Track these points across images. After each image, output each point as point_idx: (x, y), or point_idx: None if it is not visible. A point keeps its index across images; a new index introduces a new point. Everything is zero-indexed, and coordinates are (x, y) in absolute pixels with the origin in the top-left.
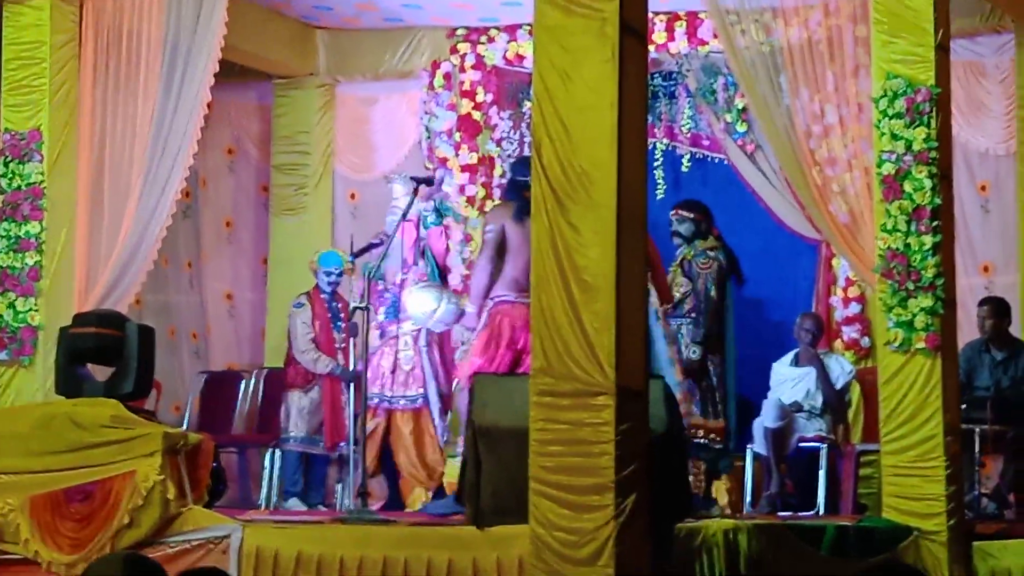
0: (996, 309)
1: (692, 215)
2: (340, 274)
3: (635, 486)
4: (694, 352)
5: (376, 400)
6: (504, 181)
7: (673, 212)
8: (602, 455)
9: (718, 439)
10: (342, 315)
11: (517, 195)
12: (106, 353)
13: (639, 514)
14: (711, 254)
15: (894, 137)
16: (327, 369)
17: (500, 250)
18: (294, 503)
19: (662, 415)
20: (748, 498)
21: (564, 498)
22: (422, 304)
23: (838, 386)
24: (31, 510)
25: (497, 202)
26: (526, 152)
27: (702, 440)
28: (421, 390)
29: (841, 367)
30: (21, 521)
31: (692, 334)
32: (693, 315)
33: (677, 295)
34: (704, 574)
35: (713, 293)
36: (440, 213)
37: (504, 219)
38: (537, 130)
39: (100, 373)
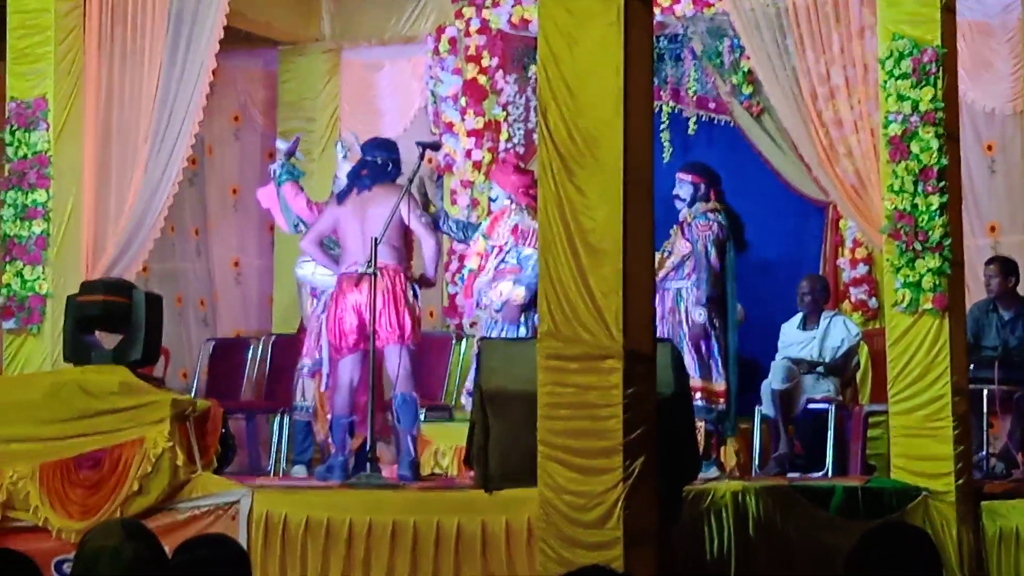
0: (1003, 268)
1: (691, 178)
2: None
3: (643, 449)
4: (699, 315)
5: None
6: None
7: (677, 174)
8: (610, 418)
9: (720, 401)
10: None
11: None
12: (114, 320)
13: (647, 477)
14: (710, 216)
15: (900, 98)
16: None
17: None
18: (299, 470)
19: (670, 378)
20: (756, 460)
21: (572, 461)
22: (303, 269)
23: (843, 349)
24: (40, 478)
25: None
26: (531, 117)
27: (702, 403)
28: None
29: (847, 329)
30: (31, 489)
31: (696, 296)
32: (693, 277)
33: (677, 259)
34: (712, 536)
35: (713, 256)
36: (292, 174)
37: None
38: (543, 94)
39: (108, 341)
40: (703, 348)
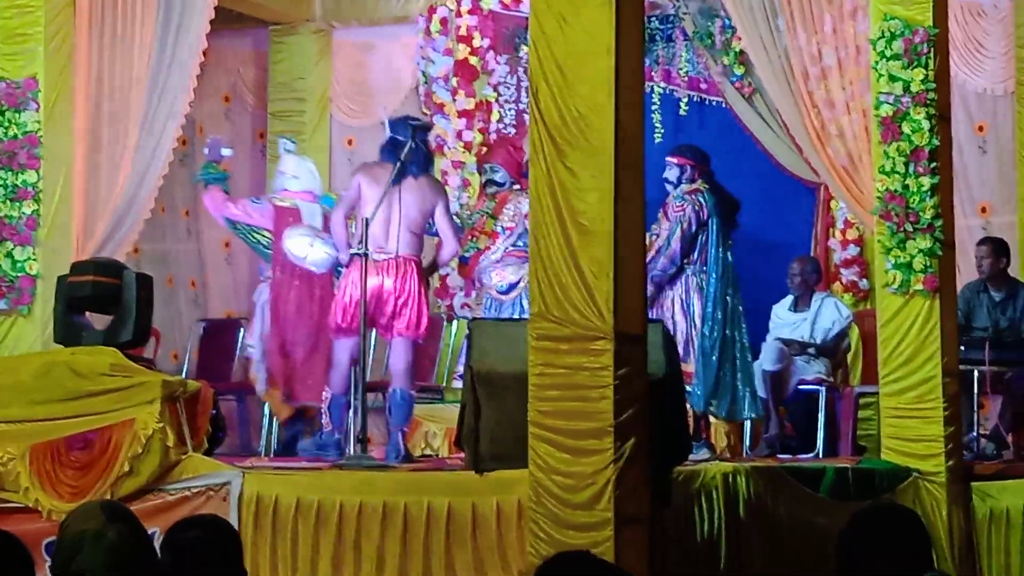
0: (994, 249)
1: (677, 160)
2: None
3: (634, 430)
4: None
5: None
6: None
7: (667, 158)
8: (601, 399)
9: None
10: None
11: (394, 157)
12: (104, 301)
13: (638, 458)
14: (687, 198)
15: (892, 79)
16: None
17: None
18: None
19: (660, 359)
20: (747, 441)
21: (563, 442)
22: (297, 247)
23: (834, 331)
24: (31, 459)
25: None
26: (523, 98)
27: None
28: None
29: (838, 311)
30: (21, 469)
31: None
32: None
33: (662, 242)
34: (703, 517)
35: (675, 237)
36: (214, 179)
37: (370, 179)
38: (534, 75)
39: (99, 322)
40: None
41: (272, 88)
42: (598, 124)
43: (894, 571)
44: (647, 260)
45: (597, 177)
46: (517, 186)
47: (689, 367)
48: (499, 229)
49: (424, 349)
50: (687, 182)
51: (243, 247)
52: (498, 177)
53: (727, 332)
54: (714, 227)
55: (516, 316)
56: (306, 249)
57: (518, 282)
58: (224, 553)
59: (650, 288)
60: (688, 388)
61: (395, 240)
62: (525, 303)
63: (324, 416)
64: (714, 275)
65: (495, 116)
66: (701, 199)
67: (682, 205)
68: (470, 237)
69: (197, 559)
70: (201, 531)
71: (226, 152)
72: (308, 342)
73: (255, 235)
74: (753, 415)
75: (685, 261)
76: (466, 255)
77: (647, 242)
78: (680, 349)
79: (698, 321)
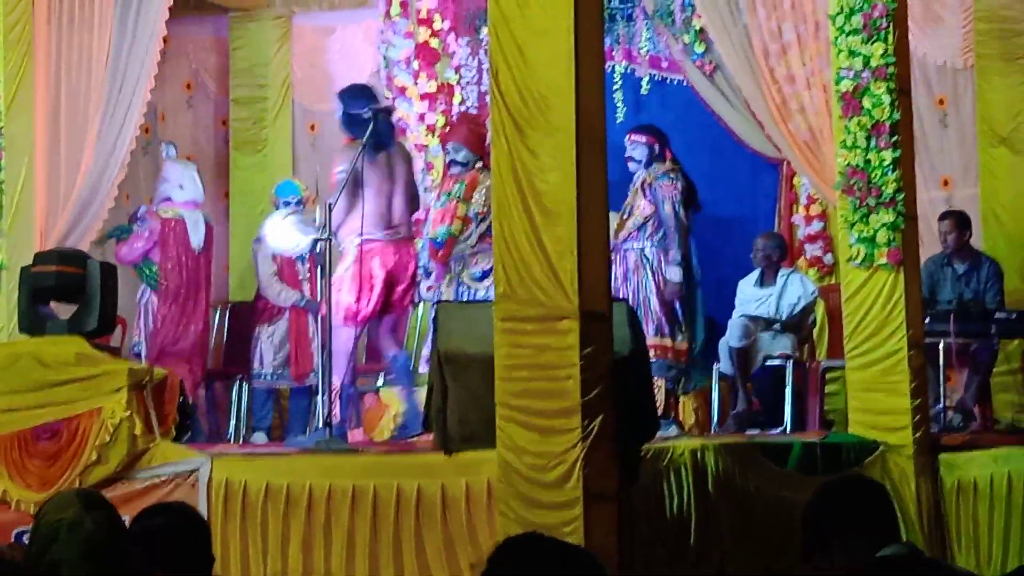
0: (958, 223)
1: (644, 139)
2: (299, 203)
3: (601, 408)
4: (675, 274)
5: None
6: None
7: (627, 137)
8: (567, 379)
9: (682, 360)
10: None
11: (359, 130)
12: (68, 291)
13: (606, 436)
14: (672, 176)
15: (851, 54)
16: (290, 301)
17: (356, 189)
18: (259, 437)
19: (626, 337)
20: (715, 417)
21: (531, 422)
22: (285, 236)
23: (799, 306)
24: None
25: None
26: (484, 80)
27: (667, 361)
28: None
29: (803, 287)
30: None
31: (671, 256)
32: (658, 238)
33: (640, 219)
34: (672, 493)
35: (681, 214)
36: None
37: (353, 159)
38: (494, 56)
39: (64, 311)
40: (676, 307)
41: (233, 74)
42: (558, 104)
43: (860, 543)
44: (620, 240)
45: (558, 157)
46: (480, 164)
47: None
48: (472, 215)
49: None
50: (658, 161)
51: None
52: (460, 157)
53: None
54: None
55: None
56: (295, 239)
57: (491, 270)
58: (191, 539)
59: (679, 272)
60: (661, 363)
61: (400, 216)
62: None
63: (334, 407)
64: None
65: (457, 98)
66: (677, 179)
67: (671, 183)
68: (443, 221)
69: (164, 546)
70: (167, 518)
71: None
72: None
73: (147, 270)
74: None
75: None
76: (439, 240)
77: (616, 222)
78: (654, 327)
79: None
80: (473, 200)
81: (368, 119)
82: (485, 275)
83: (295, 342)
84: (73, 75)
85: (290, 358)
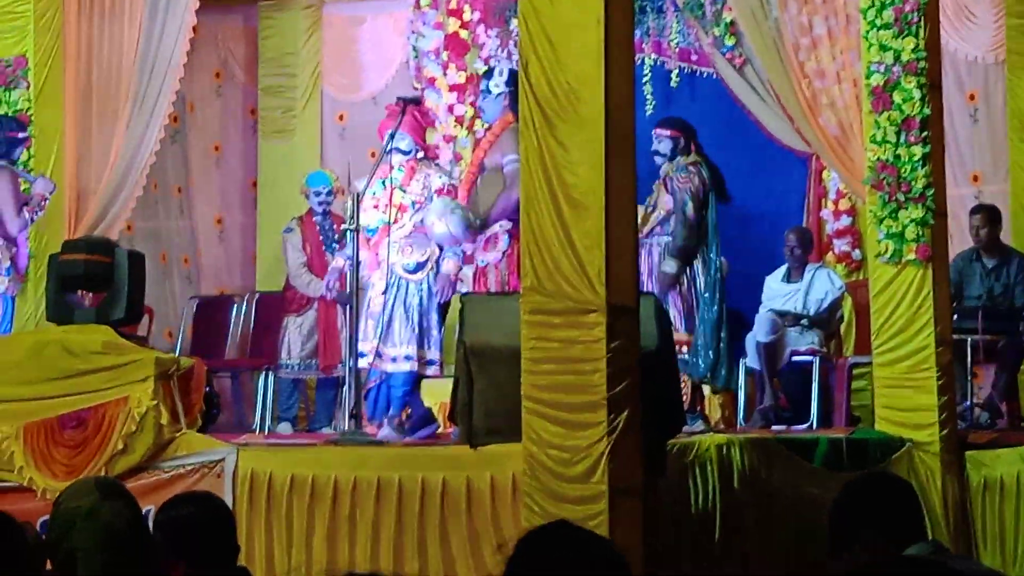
0: (990, 217)
1: (669, 132)
2: (330, 193)
3: (627, 402)
4: (670, 266)
5: None
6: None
7: (653, 131)
8: (594, 372)
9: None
10: (336, 236)
11: None
12: (96, 279)
13: (631, 430)
14: (691, 169)
15: (882, 48)
16: (320, 292)
17: None
18: (285, 427)
19: (653, 331)
20: (741, 412)
21: (557, 416)
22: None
23: (827, 302)
24: (25, 438)
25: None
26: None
27: (688, 355)
28: None
29: (831, 282)
30: (15, 449)
31: (670, 248)
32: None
33: (662, 213)
34: (697, 489)
35: (689, 208)
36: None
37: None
38: (524, 48)
39: (91, 300)
40: (688, 299)
41: (262, 64)
42: (588, 96)
43: (885, 541)
44: (645, 234)
45: (587, 150)
46: (421, 154)
47: (684, 337)
48: (409, 203)
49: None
50: (683, 154)
51: (237, 223)
52: (404, 145)
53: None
54: (712, 200)
55: (422, 298)
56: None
57: (425, 262)
58: (216, 529)
59: (675, 264)
60: (684, 358)
61: None
62: (432, 285)
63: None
64: (714, 248)
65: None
66: (703, 171)
67: (687, 177)
68: (376, 208)
69: (189, 536)
70: (193, 508)
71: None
72: None
73: None
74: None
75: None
76: (372, 228)
77: (641, 215)
78: (681, 321)
79: (697, 293)
80: (410, 188)
81: None
82: (419, 267)
83: (324, 333)
84: (103, 64)
85: (318, 349)
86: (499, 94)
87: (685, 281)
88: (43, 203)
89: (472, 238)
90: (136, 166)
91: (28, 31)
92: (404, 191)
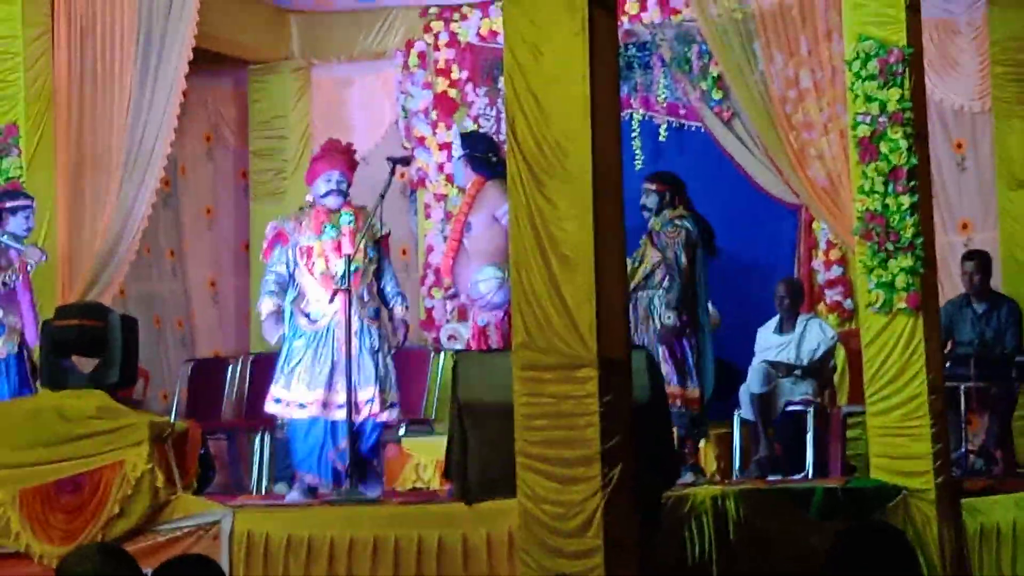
0: (982, 263)
1: (655, 187)
2: None
3: (621, 456)
4: (669, 318)
5: None
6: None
7: (642, 185)
8: (587, 427)
9: (694, 408)
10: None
11: (494, 170)
12: (90, 344)
13: (626, 484)
14: (678, 223)
15: (868, 99)
16: None
17: None
18: (281, 488)
19: (645, 384)
20: (737, 463)
21: (551, 471)
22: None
23: (819, 352)
24: (21, 504)
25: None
26: (503, 128)
27: (678, 408)
28: None
29: (823, 332)
30: (12, 515)
31: (665, 300)
32: (665, 285)
33: (648, 267)
34: (693, 540)
35: (683, 260)
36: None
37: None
38: (510, 105)
39: (86, 365)
40: (677, 352)
41: (253, 127)
42: (575, 152)
43: None
44: (632, 288)
45: (575, 205)
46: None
47: (675, 390)
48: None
49: (412, 381)
50: (669, 207)
51: (230, 285)
52: (344, 187)
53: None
54: (700, 256)
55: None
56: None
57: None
58: None
59: (674, 316)
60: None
61: None
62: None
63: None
64: (704, 300)
65: None
66: (688, 224)
67: (676, 231)
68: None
69: None
70: (186, 570)
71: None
72: None
73: None
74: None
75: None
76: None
77: (630, 269)
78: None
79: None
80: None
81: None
82: (376, 314)
83: None
84: (94, 129)
85: None
86: (460, 156)
87: (685, 334)
88: (22, 268)
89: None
90: (128, 230)
91: (19, 99)
92: (362, 234)
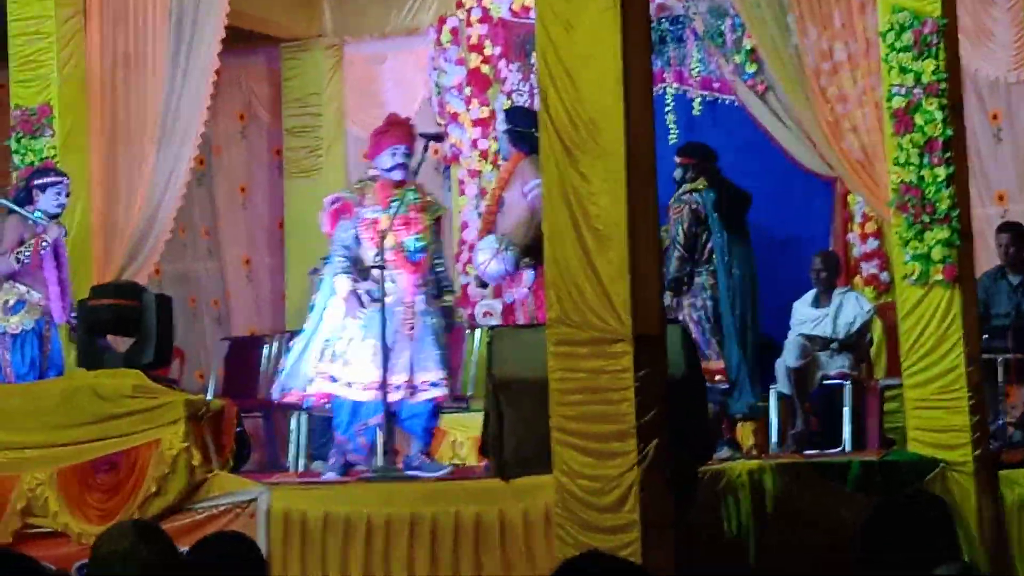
0: (1018, 234)
1: (680, 159)
2: None
3: (656, 431)
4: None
5: None
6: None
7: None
8: (622, 402)
9: (721, 380)
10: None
11: (535, 145)
12: (124, 324)
13: (662, 459)
14: (685, 198)
15: (903, 70)
16: None
17: None
18: (319, 465)
19: (680, 359)
20: (774, 438)
21: (586, 446)
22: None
23: (856, 325)
24: (59, 483)
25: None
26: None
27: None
28: None
29: (860, 305)
30: (49, 495)
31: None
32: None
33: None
34: (730, 515)
35: (679, 236)
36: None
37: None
38: (542, 81)
39: (121, 344)
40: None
41: (286, 105)
42: (608, 127)
43: (915, 559)
44: None
45: (609, 181)
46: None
47: (710, 365)
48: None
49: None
50: (689, 181)
51: (264, 264)
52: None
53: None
54: (715, 225)
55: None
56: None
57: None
58: (247, 569)
59: (667, 297)
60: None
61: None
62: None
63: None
64: (721, 273)
65: None
66: (698, 198)
67: (679, 207)
68: (411, 230)
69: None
70: (223, 548)
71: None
72: None
73: None
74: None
75: (697, 259)
76: (414, 251)
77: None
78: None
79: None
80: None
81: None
82: (438, 293)
83: None
84: (128, 109)
85: None
86: (504, 131)
87: (691, 310)
88: (36, 245)
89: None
90: (163, 209)
91: (52, 79)
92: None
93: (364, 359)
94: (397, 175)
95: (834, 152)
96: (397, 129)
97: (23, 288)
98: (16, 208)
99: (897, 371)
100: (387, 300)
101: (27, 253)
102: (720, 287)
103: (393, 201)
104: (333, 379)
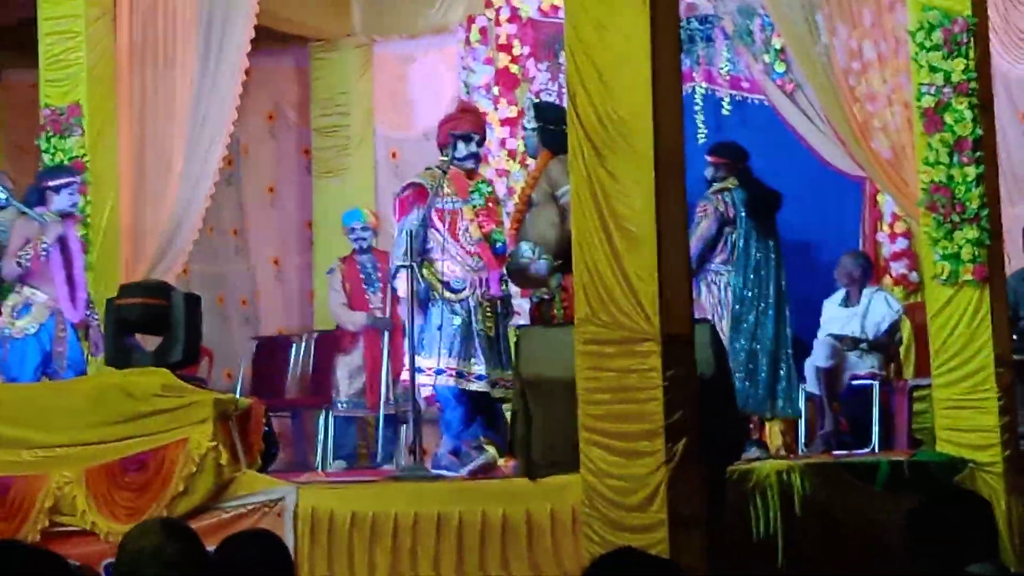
0: None
1: (711, 159)
2: (365, 229)
3: (684, 431)
4: None
5: None
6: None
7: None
8: (650, 401)
9: None
10: (379, 274)
11: (561, 144)
12: (153, 323)
13: (690, 458)
14: (712, 197)
15: (932, 70)
16: (360, 324)
17: None
18: (339, 465)
19: (709, 359)
20: (802, 438)
21: (614, 445)
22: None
23: (885, 325)
24: (87, 482)
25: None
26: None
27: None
28: None
29: (889, 305)
30: (78, 493)
31: None
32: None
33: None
34: (758, 515)
35: (694, 238)
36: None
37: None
38: (571, 81)
39: (149, 343)
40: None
41: (315, 104)
42: (637, 127)
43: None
44: None
45: (638, 180)
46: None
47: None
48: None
49: None
50: (719, 181)
51: (293, 263)
52: (475, 148)
53: (763, 329)
54: (742, 224)
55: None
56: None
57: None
58: (274, 568)
59: None
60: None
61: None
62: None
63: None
64: (743, 272)
65: None
66: (727, 198)
67: (704, 205)
68: (491, 223)
69: (247, 574)
70: (250, 547)
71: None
72: None
73: None
74: (789, 412)
75: (718, 260)
76: (500, 244)
77: None
78: None
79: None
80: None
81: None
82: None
83: (370, 370)
84: (157, 109)
85: (366, 386)
86: (532, 130)
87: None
88: (35, 246)
89: None
90: (192, 209)
91: (81, 79)
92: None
93: (446, 350)
94: (469, 164)
95: (863, 151)
96: (470, 116)
97: (29, 291)
98: (25, 209)
99: (926, 371)
100: (465, 293)
101: (27, 255)
102: (738, 288)
103: (472, 192)
104: (419, 370)
